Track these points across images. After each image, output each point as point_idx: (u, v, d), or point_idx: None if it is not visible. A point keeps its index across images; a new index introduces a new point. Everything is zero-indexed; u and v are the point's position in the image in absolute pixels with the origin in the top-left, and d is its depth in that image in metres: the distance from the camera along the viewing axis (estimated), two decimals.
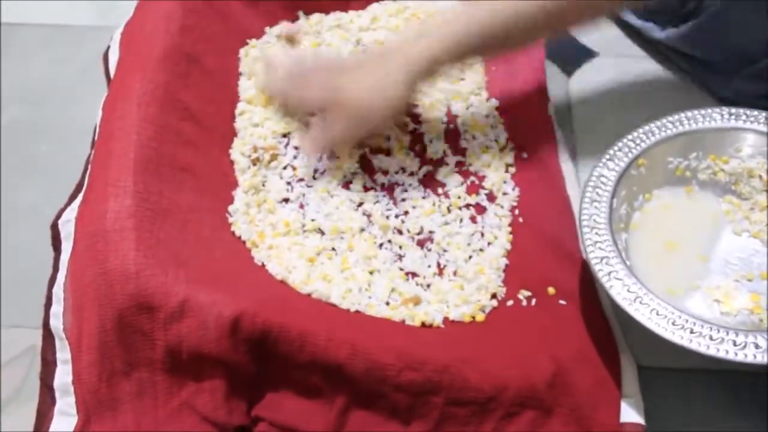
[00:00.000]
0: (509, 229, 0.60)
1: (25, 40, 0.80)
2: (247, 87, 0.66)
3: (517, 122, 0.66)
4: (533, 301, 0.57)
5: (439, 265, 0.58)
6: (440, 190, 0.62)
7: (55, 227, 0.56)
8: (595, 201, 0.56)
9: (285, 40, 0.70)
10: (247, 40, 0.70)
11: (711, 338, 0.49)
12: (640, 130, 0.60)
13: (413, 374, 0.49)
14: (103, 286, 0.49)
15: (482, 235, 0.60)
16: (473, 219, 0.61)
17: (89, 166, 0.57)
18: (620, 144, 0.59)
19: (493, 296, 0.57)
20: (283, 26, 0.70)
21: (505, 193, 0.62)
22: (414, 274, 0.58)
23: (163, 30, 0.62)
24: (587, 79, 0.73)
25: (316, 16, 0.73)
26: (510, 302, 0.57)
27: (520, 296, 0.57)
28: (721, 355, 0.48)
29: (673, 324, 0.50)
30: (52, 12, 0.82)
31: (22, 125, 0.74)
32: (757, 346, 0.48)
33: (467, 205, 0.61)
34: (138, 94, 0.58)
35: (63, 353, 0.51)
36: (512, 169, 0.64)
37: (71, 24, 0.81)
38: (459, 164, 0.64)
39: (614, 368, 0.54)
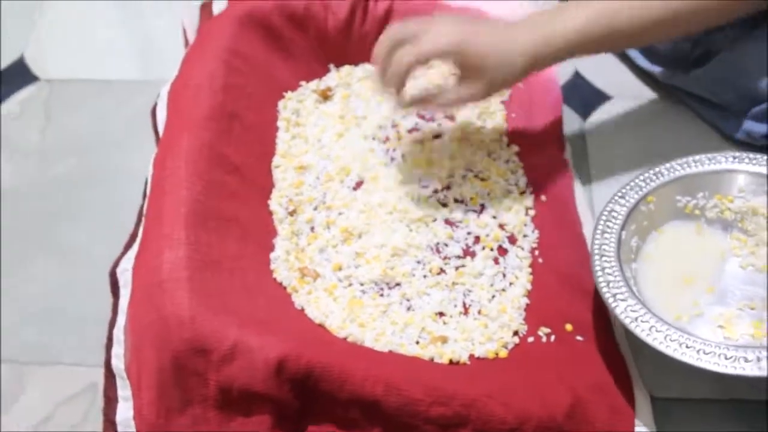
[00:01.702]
0: (529, 270, 0.66)
1: (74, 95, 0.85)
2: (284, 139, 0.73)
3: (535, 167, 0.72)
4: (552, 337, 0.62)
5: (464, 304, 0.64)
6: (465, 234, 0.68)
7: (113, 275, 0.63)
8: (606, 233, 0.63)
9: (318, 94, 0.76)
10: (284, 93, 0.76)
11: (704, 352, 0.55)
12: (651, 172, 0.66)
13: (442, 408, 0.55)
14: (161, 332, 0.55)
15: (504, 275, 0.66)
16: (495, 260, 0.66)
17: (143, 219, 0.63)
18: (631, 183, 0.66)
19: (515, 333, 0.63)
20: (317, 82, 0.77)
21: (525, 235, 0.68)
22: (441, 314, 0.63)
23: (207, 89, 0.68)
24: (602, 122, 0.78)
25: (345, 68, 0.79)
26: (531, 338, 0.62)
27: (540, 333, 0.62)
28: (712, 367, 0.54)
29: (670, 339, 0.56)
30: (99, 68, 0.88)
31: (77, 174, 0.79)
32: (746, 360, 0.54)
33: (490, 248, 0.67)
34: (186, 152, 0.64)
35: (124, 391, 0.57)
36: (532, 212, 0.69)
37: (116, 79, 0.87)
38: (482, 208, 0.70)
39: (629, 399, 0.59)
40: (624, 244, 0.63)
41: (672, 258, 0.65)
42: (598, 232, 0.63)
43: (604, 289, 0.60)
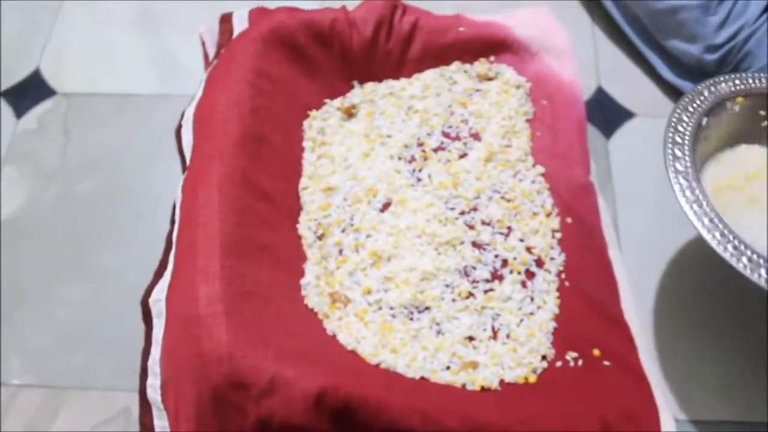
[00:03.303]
0: (557, 293, 0.68)
1: (93, 110, 0.86)
2: (310, 160, 0.74)
3: (561, 188, 0.73)
4: (580, 362, 0.65)
5: (493, 328, 0.66)
6: (492, 257, 0.70)
7: (145, 305, 0.64)
8: (687, 110, 0.66)
9: (342, 112, 0.77)
10: (308, 112, 0.76)
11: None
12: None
13: None
14: (199, 366, 0.57)
15: (532, 299, 0.68)
16: (523, 284, 0.69)
17: (174, 248, 0.65)
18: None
19: (543, 358, 0.65)
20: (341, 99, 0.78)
21: (552, 258, 0.70)
22: (471, 338, 0.66)
23: (235, 114, 0.69)
24: (626, 140, 0.80)
25: (369, 85, 0.79)
26: (558, 363, 0.65)
27: (568, 357, 0.65)
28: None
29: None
30: (117, 81, 0.88)
31: (101, 194, 0.80)
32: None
33: (517, 271, 0.69)
34: (218, 181, 0.65)
35: (160, 420, 0.60)
36: (558, 235, 0.71)
37: (135, 93, 0.87)
38: (509, 230, 0.71)
39: (654, 424, 0.62)
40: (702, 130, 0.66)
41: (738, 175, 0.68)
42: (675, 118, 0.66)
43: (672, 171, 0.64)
